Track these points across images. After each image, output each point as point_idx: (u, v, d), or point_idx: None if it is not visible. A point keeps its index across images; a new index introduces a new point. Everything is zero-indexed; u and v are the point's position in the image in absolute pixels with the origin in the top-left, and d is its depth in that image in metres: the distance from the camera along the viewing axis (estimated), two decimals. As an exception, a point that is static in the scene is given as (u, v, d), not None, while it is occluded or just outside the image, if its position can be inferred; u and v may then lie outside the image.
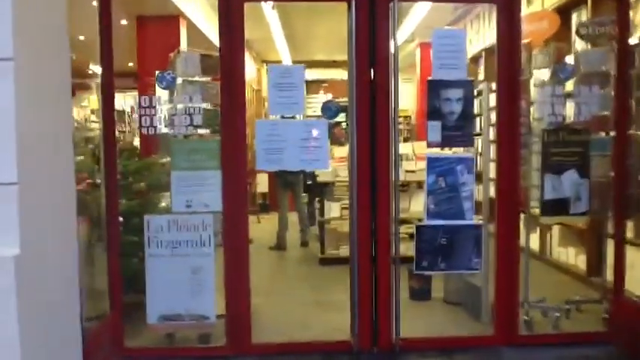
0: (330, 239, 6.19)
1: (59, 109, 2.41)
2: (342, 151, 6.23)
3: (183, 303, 3.32)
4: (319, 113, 3.43)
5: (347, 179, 6.31)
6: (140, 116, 3.24)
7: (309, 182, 7.27)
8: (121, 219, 3.94)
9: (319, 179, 6.34)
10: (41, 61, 2.21)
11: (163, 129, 3.37)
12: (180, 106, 3.30)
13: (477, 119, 4.65)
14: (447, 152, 3.55)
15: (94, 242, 3.65)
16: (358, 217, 3.29)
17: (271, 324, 3.80)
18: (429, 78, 3.34)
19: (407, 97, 11.54)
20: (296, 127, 3.28)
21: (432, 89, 3.32)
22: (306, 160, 3.27)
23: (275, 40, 10.35)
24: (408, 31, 9.00)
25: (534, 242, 5.47)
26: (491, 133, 3.99)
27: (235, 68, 3.22)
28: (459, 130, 3.34)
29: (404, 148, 6.37)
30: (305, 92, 3.27)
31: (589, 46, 3.97)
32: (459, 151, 3.68)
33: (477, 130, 4.42)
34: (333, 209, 6.13)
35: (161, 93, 3.40)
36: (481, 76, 7.45)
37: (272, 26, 9.28)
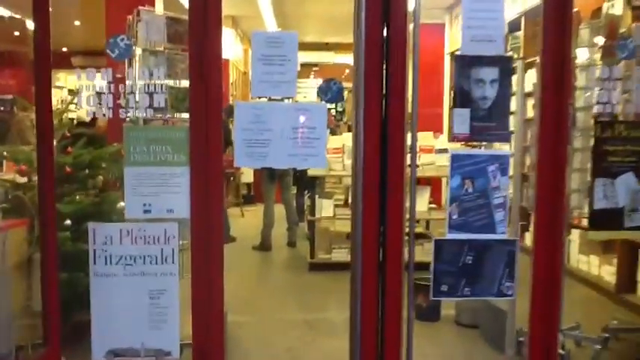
0: (321, 241, 5.49)
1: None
2: (335, 141, 5.53)
3: (139, 334, 2.60)
4: (308, 100, 2.70)
5: (342, 173, 5.65)
6: (86, 96, 2.50)
7: (298, 174, 6.55)
8: (68, 222, 3.22)
9: (309, 172, 5.63)
10: None
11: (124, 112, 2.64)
12: (138, 82, 2.56)
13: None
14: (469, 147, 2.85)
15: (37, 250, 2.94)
16: (364, 215, 2.58)
17: (251, 354, 3.09)
18: (457, 53, 2.63)
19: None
20: (286, 112, 2.55)
21: (460, 68, 2.61)
22: (298, 156, 2.55)
23: (264, 18, 9.59)
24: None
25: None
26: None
27: (209, 31, 2.47)
28: (493, 120, 2.64)
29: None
30: (298, 68, 2.54)
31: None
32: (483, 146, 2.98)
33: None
34: (325, 207, 5.43)
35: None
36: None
37: (260, 1, 8.52)
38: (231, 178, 9.17)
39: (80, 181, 3.53)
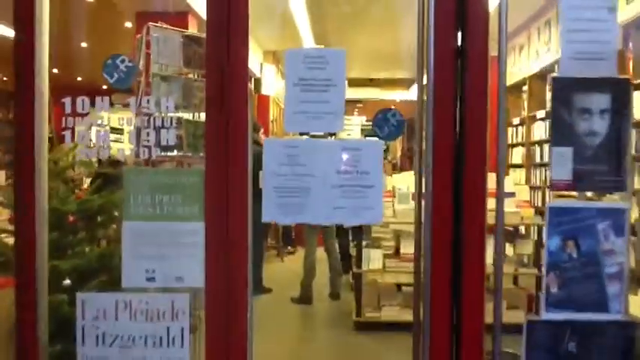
0: (369, 296, 4.82)
1: None
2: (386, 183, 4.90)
3: None
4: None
5: (392, 220, 5.02)
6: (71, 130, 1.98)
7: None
8: (68, 282, 2.70)
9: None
10: None
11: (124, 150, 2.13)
12: (144, 115, 2.03)
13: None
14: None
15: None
16: (432, 268, 1.94)
17: None
18: (554, 75, 2.00)
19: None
20: (330, 151, 1.96)
21: (559, 93, 1.98)
22: (345, 210, 1.95)
23: (305, 52, 9.17)
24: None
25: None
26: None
27: (232, 47, 1.92)
28: (604, 162, 1.99)
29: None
30: (345, 95, 1.96)
31: None
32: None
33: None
34: (373, 258, 4.77)
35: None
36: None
37: (302, 35, 8.12)
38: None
39: (88, 231, 3.01)
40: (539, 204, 7.05)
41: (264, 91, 9.98)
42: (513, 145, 8.81)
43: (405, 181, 4.92)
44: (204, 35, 1.97)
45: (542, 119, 7.45)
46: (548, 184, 5.89)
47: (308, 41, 8.48)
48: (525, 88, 7.99)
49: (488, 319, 1.97)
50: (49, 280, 2.03)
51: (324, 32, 8.37)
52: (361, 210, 1.96)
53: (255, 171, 1.94)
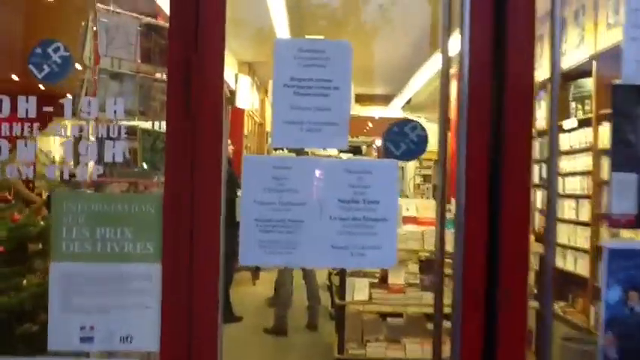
0: (352, 330, 4.35)
1: None
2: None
3: None
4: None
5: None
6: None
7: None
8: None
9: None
10: None
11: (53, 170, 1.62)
12: (82, 123, 1.54)
13: None
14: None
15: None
16: (464, 311, 1.47)
17: None
18: (616, 82, 1.58)
19: (433, 139, 9.81)
20: (329, 173, 1.50)
21: (622, 105, 1.56)
22: (348, 250, 1.48)
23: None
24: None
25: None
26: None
27: (204, 36, 1.45)
28: (676, 194, 1.57)
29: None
30: (352, 100, 1.50)
31: None
32: None
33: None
34: (359, 288, 4.30)
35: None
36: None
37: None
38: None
39: (22, 262, 2.49)
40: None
41: (238, 104, 9.48)
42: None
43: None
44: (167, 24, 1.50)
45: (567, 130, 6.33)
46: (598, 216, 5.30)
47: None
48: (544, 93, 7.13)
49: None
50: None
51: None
52: (368, 250, 1.50)
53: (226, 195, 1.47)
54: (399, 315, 4.50)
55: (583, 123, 5.79)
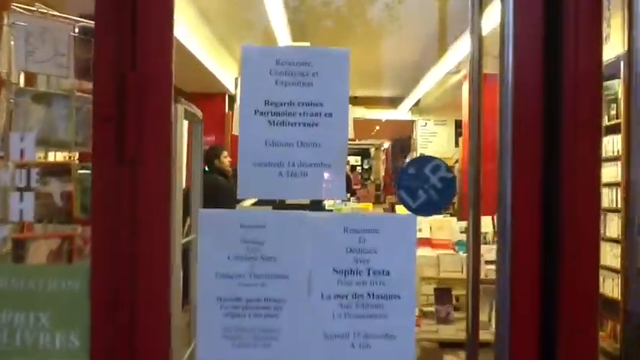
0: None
1: None
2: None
3: None
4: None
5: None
6: None
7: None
8: None
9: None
10: None
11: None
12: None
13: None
14: None
15: None
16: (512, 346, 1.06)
17: None
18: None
19: (442, 143, 9.37)
20: (321, 232, 1.08)
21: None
22: (347, 340, 1.07)
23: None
24: (453, 60, 6.80)
25: None
26: None
27: (145, 45, 1.04)
28: None
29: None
30: (351, 132, 1.08)
31: None
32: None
33: None
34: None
35: None
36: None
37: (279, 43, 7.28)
38: None
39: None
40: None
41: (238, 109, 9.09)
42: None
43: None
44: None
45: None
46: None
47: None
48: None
49: None
50: None
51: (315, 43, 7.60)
52: (375, 341, 1.08)
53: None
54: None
55: (609, 130, 5.33)
